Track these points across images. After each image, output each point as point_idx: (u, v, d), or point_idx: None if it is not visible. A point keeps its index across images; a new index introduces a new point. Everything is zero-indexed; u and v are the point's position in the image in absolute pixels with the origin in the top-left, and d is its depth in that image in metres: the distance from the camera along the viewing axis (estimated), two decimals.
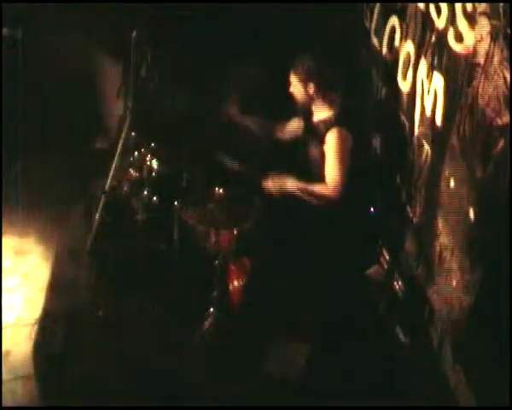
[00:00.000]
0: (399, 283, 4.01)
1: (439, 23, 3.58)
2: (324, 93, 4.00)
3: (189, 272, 4.05)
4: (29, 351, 3.74)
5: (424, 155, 3.79)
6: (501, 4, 2.96)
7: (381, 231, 4.26)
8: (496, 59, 3.00)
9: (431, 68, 3.67)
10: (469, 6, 3.23)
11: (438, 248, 3.61)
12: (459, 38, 3.35)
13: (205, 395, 3.54)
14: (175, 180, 4.19)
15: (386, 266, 4.14)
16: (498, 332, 3.00)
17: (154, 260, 4.15)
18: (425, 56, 3.76)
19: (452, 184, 3.45)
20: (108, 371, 3.62)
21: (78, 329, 3.85)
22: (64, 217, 4.67)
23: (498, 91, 2.98)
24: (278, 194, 4.00)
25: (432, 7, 3.67)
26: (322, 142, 3.95)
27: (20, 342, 3.80)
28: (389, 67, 4.25)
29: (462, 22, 3.31)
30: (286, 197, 4.00)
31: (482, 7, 3.11)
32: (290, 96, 4.10)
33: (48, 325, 3.88)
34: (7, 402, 3.41)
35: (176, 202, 3.98)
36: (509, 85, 2.90)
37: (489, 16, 3.05)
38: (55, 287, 4.13)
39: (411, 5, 3.98)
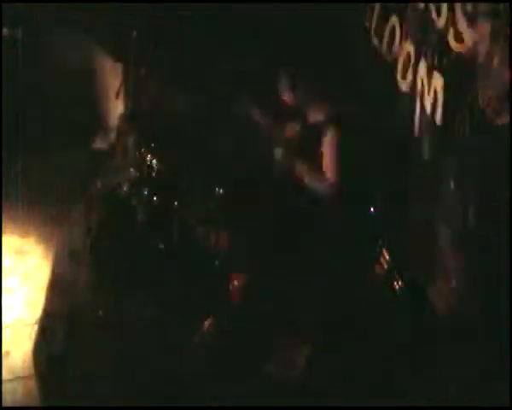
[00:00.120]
0: (399, 283, 4.01)
1: (439, 23, 3.58)
2: (315, 95, 3.99)
3: (189, 272, 4.04)
4: (29, 351, 3.74)
5: (424, 155, 3.78)
6: (501, 4, 2.96)
7: (381, 231, 4.26)
8: (496, 59, 3.00)
9: (431, 68, 3.67)
10: (469, 6, 3.23)
11: (438, 249, 3.61)
12: (459, 38, 3.35)
13: (205, 395, 3.53)
14: (175, 180, 4.19)
15: (386, 266, 4.14)
16: (498, 332, 3.00)
17: (154, 260, 4.14)
18: (425, 56, 3.76)
19: (452, 184, 3.45)
20: (108, 371, 3.62)
21: (78, 329, 3.85)
22: (64, 217, 4.66)
23: (498, 92, 2.98)
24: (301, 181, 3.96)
25: (432, 7, 3.67)
26: (319, 143, 3.94)
27: (20, 342, 3.80)
28: (389, 67, 4.25)
29: (462, 22, 3.31)
30: (286, 197, 4.00)
31: (482, 7, 3.11)
32: (283, 99, 4.09)
33: (48, 325, 3.88)
34: (7, 402, 3.40)
35: (176, 202, 3.98)
36: (509, 85, 2.90)
37: (489, 16, 3.05)
38: (55, 287, 4.13)
39: (411, 5, 3.97)
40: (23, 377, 3.61)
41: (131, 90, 4.26)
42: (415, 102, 3.88)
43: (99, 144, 5.41)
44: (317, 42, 4.75)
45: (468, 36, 3.26)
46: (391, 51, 4.26)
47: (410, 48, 3.98)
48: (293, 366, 3.75)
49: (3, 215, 4.50)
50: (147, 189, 4.20)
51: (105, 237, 4.31)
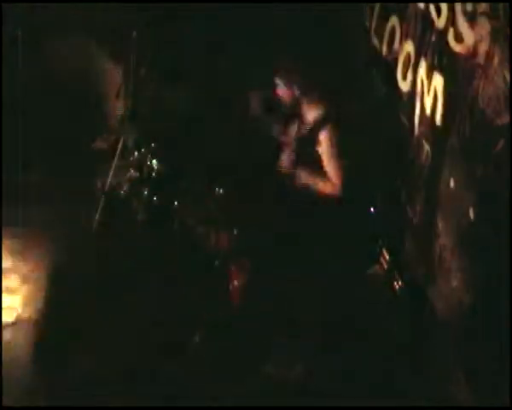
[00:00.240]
0: (399, 283, 4.01)
1: (439, 23, 3.58)
2: (310, 93, 3.99)
3: (189, 272, 4.05)
4: (29, 351, 3.74)
5: (424, 155, 3.78)
6: (501, 4, 2.96)
7: (381, 231, 4.26)
8: (496, 59, 3.00)
9: (431, 68, 3.67)
10: (469, 6, 3.23)
11: (438, 249, 3.61)
12: (459, 38, 3.35)
13: (205, 395, 3.54)
14: (175, 180, 4.19)
15: (386, 266, 4.14)
16: (498, 332, 3.00)
17: (154, 260, 4.14)
18: (425, 56, 3.76)
19: (452, 184, 3.45)
20: (108, 371, 3.62)
21: (78, 329, 3.85)
22: (64, 217, 4.66)
23: (498, 92, 2.98)
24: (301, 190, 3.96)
25: (432, 7, 3.67)
26: (317, 142, 3.94)
27: (20, 342, 3.80)
28: (389, 67, 4.25)
29: (462, 22, 3.31)
30: (286, 197, 4.00)
31: (482, 7, 3.11)
32: (278, 98, 4.09)
33: (48, 325, 3.88)
34: (7, 402, 3.41)
35: (176, 202, 3.98)
36: (509, 85, 2.90)
37: (489, 16, 3.05)
38: (55, 287, 4.13)
39: (411, 5, 3.98)
40: (23, 377, 3.60)
41: (131, 90, 4.26)
42: (415, 102, 3.88)
43: (99, 144, 5.41)
44: (317, 41, 4.77)
45: (468, 36, 3.26)
46: (391, 51, 4.26)
47: (410, 48, 3.98)
48: (293, 366, 3.76)
49: (3, 215, 4.50)
50: (147, 189, 4.21)
51: (105, 237, 4.31)
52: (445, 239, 3.54)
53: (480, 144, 3.17)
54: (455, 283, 3.43)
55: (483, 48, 3.10)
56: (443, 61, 3.54)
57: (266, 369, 3.72)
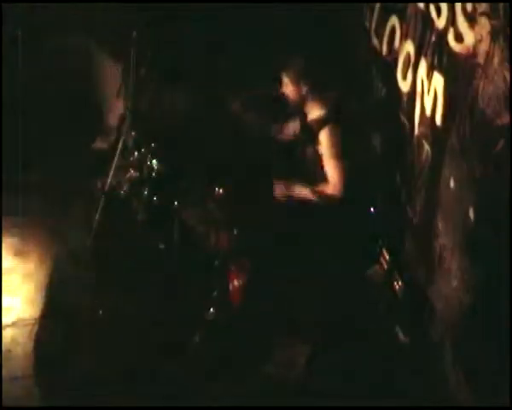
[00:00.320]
0: (399, 283, 4.01)
1: (439, 23, 3.58)
2: (317, 93, 3.99)
3: (189, 272, 4.05)
4: (29, 351, 3.74)
5: (424, 155, 3.79)
6: (501, 4, 2.96)
7: (381, 231, 4.26)
8: (496, 59, 3.01)
9: (431, 68, 3.67)
10: (469, 6, 3.23)
11: (438, 249, 3.61)
12: (459, 38, 3.35)
13: (205, 395, 3.54)
14: (175, 180, 4.19)
15: (386, 266, 4.14)
16: (498, 332, 3.00)
17: (154, 260, 4.14)
18: (425, 56, 3.76)
19: (452, 184, 3.45)
20: (108, 371, 3.62)
21: (78, 329, 3.85)
22: (64, 217, 4.66)
23: (498, 92, 2.99)
24: (284, 199, 3.98)
25: (432, 7, 3.67)
26: (317, 142, 3.94)
27: (20, 342, 3.80)
28: (389, 67, 4.25)
29: (462, 22, 3.31)
30: (285, 197, 4.00)
31: (482, 7, 3.11)
32: (283, 97, 4.09)
33: (48, 325, 3.88)
34: (7, 402, 3.40)
35: (176, 202, 3.98)
36: (509, 85, 2.90)
37: (489, 16, 3.05)
38: (55, 287, 4.13)
39: (411, 5, 3.98)
40: (23, 377, 3.60)
41: (131, 90, 4.25)
42: (415, 102, 3.88)
43: (99, 144, 5.41)
44: (317, 41, 4.77)
45: (468, 36, 3.26)
46: (391, 51, 4.26)
47: (410, 48, 3.98)
48: (293, 366, 3.76)
49: (3, 215, 4.50)
50: (147, 189, 4.21)
51: (105, 237, 4.31)
52: (445, 239, 3.54)
53: (480, 144, 3.17)
54: (455, 283, 3.43)
55: (483, 48, 3.11)
56: (443, 61, 3.54)
57: (266, 369, 3.72)
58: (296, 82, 3.96)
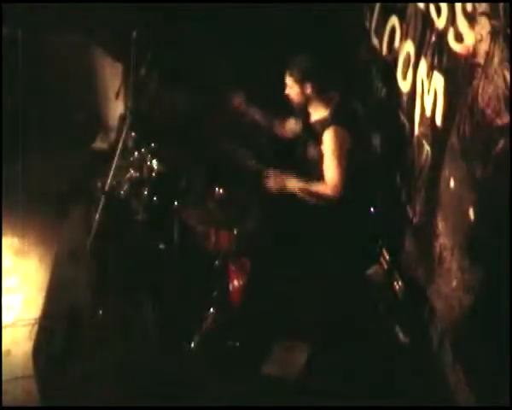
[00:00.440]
0: (399, 283, 4.01)
1: (439, 23, 3.58)
2: (320, 93, 3.98)
3: (189, 272, 4.05)
4: (29, 351, 3.74)
5: (424, 155, 3.79)
6: (501, 4, 2.96)
7: (381, 231, 4.27)
8: (496, 59, 3.01)
9: (431, 68, 3.67)
10: (469, 6, 3.23)
11: (438, 249, 3.61)
12: (459, 38, 3.35)
13: (205, 395, 3.54)
14: (175, 180, 4.19)
15: (386, 266, 4.14)
16: (498, 332, 3.00)
17: (154, 260, 4.14)
18: (425, 56, 3.76)
19: (452, 184, 3.45)
20: (108, 371, 3.62)
21: (78, 329, 3.85)
22: (64, 217, 4.66)
23: (498, 91, 2.99)
24: (278, 193, 3.99)
25: (432, 7, 3.67)
26: (319, 142, 3.94)
27: (20, 342, 3.80)
28: (389, 67, 4.25)
29: (462, 22, 3.31)
30: (286, 197, 4.00)
31: (482, 7, 3.11)
32: (286, 97, 4.08)
33: (48, 325, 3.88)
34: (7, 402, 3.41)
35: (176, 202, 3.98)
36: (509, 85, 2.90)
37: (489, 16, 3.06)
38: (55, 287, 4.13)
39: (411, 5, 3.98)
40: (23, 377, 3.60)
41: (131, 90, 4.25)
42: (415, 102, 3.88)
43: (99, 144, 5.41)
44: (317, 41, 4.77)
45: (468, 36, 3.26)
46: (391, 51, 4.27)
47: (410, 48, 3.98)
48: (293, 366, 3.75)
49: (3, 215, 4.50)
50: (147, 189, 4.20)
51: (105, 237, 4.31)
52: (445, 239, 3.54)
53: (480, 144, 3.17)
54: (455, 283, 3.43)
55: (483, 48, 3.11)
56: (443, 61, 3.54)
57: (266, 369, 3.72)
58: (301, 83, 3.95)
